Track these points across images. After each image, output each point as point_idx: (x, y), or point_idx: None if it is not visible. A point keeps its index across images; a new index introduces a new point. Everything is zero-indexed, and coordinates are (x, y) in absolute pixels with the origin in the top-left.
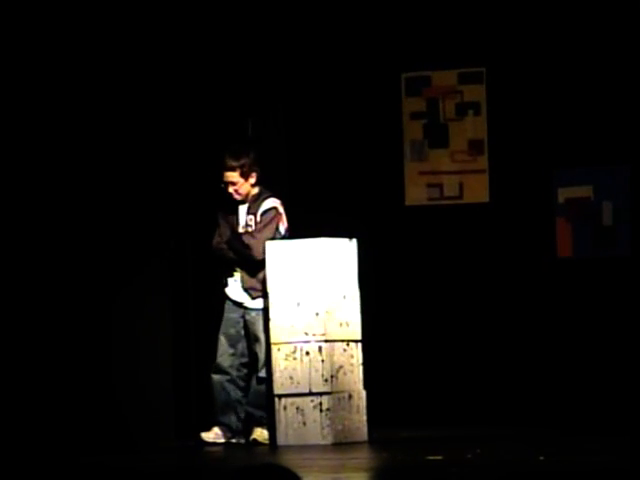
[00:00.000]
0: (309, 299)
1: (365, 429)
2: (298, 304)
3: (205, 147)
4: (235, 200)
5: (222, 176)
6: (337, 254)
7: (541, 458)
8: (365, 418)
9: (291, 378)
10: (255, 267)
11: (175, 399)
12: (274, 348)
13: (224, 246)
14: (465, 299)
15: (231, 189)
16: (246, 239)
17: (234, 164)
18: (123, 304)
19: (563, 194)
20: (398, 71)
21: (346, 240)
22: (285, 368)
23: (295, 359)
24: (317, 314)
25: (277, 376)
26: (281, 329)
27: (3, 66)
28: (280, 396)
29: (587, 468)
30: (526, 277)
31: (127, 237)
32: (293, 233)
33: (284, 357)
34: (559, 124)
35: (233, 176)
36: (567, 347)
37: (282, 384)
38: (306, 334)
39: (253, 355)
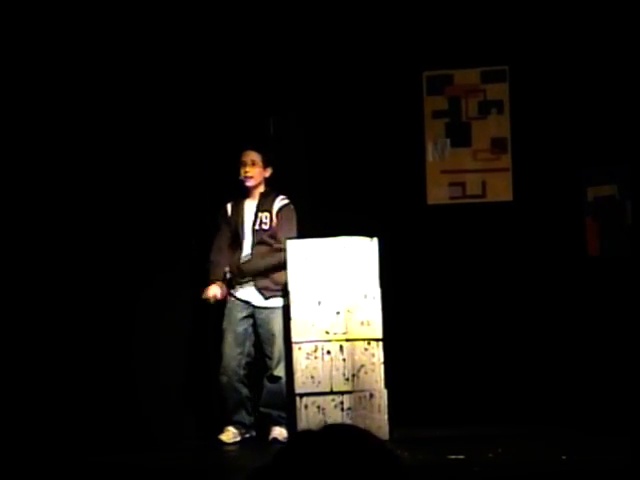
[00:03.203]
0: (330, 298)
1: (386, 428)
2: (319, 303)
3: (227, 147)
4: (245, 187)
5: (240, 157)
6: (358, 253)
7: (563, 457)
8: (386, 417)
9: (312, 377)
10: (276, 268)
11: (196, 399)
12: (295, 347)
13: (238, 268)
14: (487, 299)
15: (248, 168)
16: (277, 244)
17: (258, 148)
18: (145, 303)
19: (591, 193)
20: (420, 69)
21: (367, 239)
22: (306, 367)
23: (316, 358)
24: (338, 313)
25: (298, 375)
26: (302, 328)
27: (8, 67)
28: (301, 395)
29: (609, 467)
30: (551, 276)
31: (149, 237)
32: (314, 232)
33: (305, 356)
34: (583, 122)
35: (254, 155)
36: (592, 346)
37: (303, 383)
38: (327, 333)
39: (264, 354)
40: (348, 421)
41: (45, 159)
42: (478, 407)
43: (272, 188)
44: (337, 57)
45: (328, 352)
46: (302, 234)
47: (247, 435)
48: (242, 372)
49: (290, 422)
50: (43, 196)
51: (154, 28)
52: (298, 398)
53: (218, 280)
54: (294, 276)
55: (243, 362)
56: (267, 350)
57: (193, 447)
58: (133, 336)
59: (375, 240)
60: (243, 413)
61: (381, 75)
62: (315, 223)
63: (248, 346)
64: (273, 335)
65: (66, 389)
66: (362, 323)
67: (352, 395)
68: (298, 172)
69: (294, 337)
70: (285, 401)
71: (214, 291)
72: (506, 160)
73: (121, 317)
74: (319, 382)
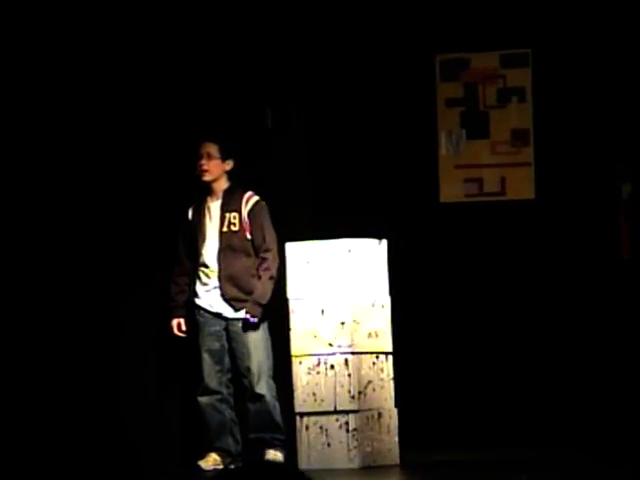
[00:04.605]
0: (334, 306)
1: (396, 451)
2: (322, 312)
3: (224, 139)
4: (204, 184)
5: (197, 150)
6: (365, 256)
7: None
8: (396, 439)
9: (314, 394)
10: (242, 276)
11: (182, 424)
12: (295, 361)
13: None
14: (507, 308)
15: (203, 161)
16: (266, 254)
17: (214, 138)
18: (130, 326)
19: (626, 189)
20: (432, 53)
21: (375, 241)
22: (307, 383)
23: (318, 373)
24: (343, 323)
25: (298, 392)
26: (303, 340)
27: (2, 66)
28: (302, 414)
29: None
30: (579, 283)
31: (138, 246)
32: (317, 234)
33: (306, 371)
34: (614, 111)
35: (210, 146)
36: (628, 361)
37: (304, 401)
38: (331, 345)
39: (240, 373)
40: (354, 443)
41: (48, 159)
42: (497, 428)
43: (237, 184)
44: (343, 40)
45: (332, 367)
46: (304, 236)
47: (232, 466)
48: (225, 391)
49: (288, 445)
50: (40, 198)
51: (151, 23)
52: (298, 418)
53: (177, 310)
54: (294, 282)
55: (224, 379)
56: (243, 367)
57: (179, 473)
58: (120, 358)
59: (384, 242)
60: (228, 439)
61: (390, 60)
62: (318, 224)
63: (227, 362)
64: (248, 350)
65: (51, 415)
66: (370, 334)
67: (358, 414)
68: (299, 168)
69: (294, 350)
70: (276, 421)
71: (176, 327)
72: (528, 154)
73: (105, 340)
74: (322, 400)
